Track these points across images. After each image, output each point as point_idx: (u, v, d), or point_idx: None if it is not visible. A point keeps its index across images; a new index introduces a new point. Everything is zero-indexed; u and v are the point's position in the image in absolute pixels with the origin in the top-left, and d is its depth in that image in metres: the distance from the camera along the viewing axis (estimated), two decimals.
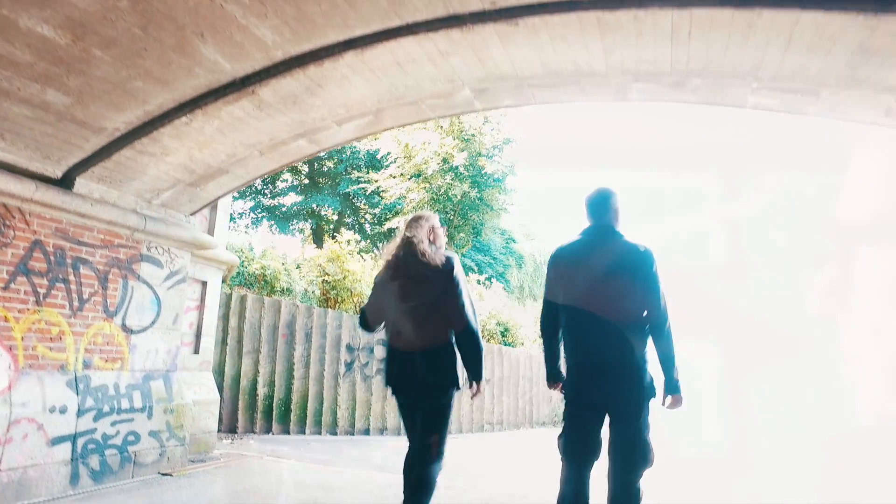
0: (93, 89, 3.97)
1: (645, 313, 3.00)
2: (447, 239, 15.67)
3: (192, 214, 6.06)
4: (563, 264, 3.19)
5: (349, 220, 22.37)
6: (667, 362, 3.01)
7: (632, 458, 2.94)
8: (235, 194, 23.76)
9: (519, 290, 27.23)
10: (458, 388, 3.22)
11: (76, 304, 4.90)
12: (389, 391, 3.40)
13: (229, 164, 5.38)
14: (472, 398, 3.33)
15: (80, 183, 4.88)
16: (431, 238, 3.43)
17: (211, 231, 6.99)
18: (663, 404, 3.02)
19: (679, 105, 4.62)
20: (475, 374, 3.23)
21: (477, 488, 5.49)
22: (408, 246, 3.33)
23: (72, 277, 4.87)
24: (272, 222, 24.25)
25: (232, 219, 22.82)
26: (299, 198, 22.89)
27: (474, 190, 14.61)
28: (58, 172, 4.72)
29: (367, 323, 3.47)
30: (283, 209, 24.18)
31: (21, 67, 3.58)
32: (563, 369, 3.22)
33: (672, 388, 3.01)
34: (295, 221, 24.86)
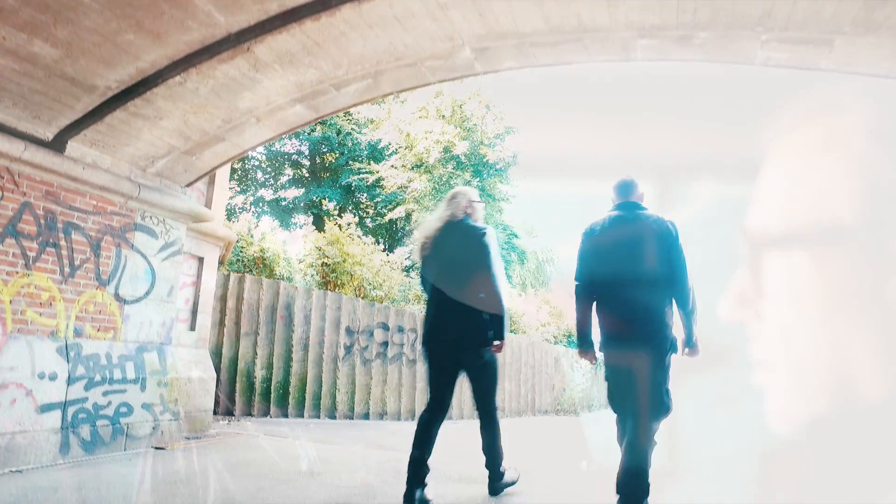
0: (82, 41, 3.85)
1: (668, 277, 3.29)
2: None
3: (187, 186, 5.95)
4: (598, 234, 3.48)
5: (350, 214, 22.25)
6: (687, 320, 3.30)
7: (651, 405, 3.18)
8: (237, 189, 23.67)
9: (521, 286, 27.07)
10: (489, 345, 3.55)
11: (67, 269, 4.79)
12: (422, 349, 3.77)
13: (225, 130, 5.26)
14: (494, 352, 3.68)
15: (72, 146, 4.77)
16: (469, 212, 3.75)
17: (208, 207, 6.88)
18: (682, 354, 3.31)
19: (683, 65, 4.49)
20: (498, 334, 3.54)
21: (479, 463, 5.36)
22: (446, 218, 3.72)
23: (63, 242, 4.76)
24: (274, 218, 24.13)
25: (234, 212, 22.72)
26: (301, 191, 22.78)
27: (476, 179, 14.47)
28: (48, 134, 4.62)
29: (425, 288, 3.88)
30: (285, 203, 24.07)
31: (5, 13, 3.47)
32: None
33: (690, 342, 3.31)
34: (296, 216, 24.74)
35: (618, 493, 3.04)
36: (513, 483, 3.88)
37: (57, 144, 4.69)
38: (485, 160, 14.50)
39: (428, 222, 3.85)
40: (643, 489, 3.01)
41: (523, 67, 4.85)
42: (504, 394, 11.80)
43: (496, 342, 3.56)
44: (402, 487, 4.14)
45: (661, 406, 3.17)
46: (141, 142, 5.07)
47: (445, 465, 5.27)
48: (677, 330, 3.33)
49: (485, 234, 3.60)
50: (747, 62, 4.10)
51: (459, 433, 9.20)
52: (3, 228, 4.32)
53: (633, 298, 3.27)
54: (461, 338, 3.53)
